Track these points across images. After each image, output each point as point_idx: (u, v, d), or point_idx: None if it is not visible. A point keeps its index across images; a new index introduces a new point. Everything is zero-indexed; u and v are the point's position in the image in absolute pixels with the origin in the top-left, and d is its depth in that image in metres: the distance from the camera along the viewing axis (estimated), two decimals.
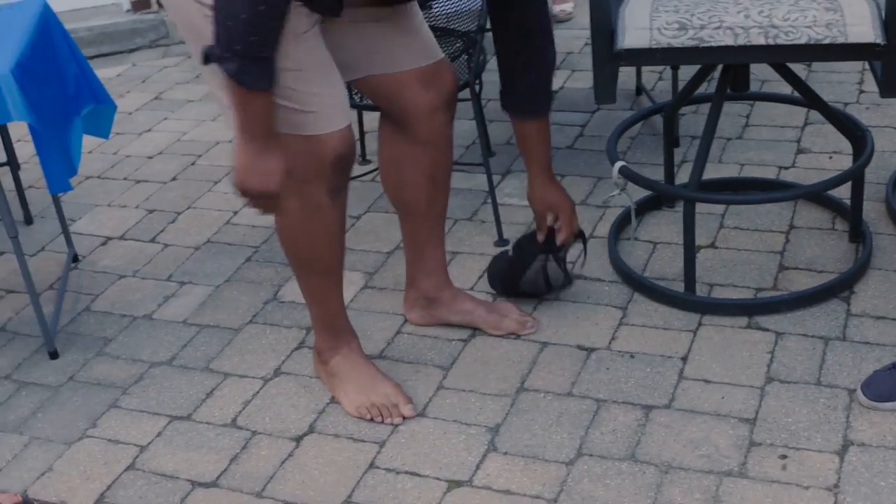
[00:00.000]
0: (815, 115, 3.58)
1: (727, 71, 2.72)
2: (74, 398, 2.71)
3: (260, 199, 2.20)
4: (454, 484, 2.30)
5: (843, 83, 3.92)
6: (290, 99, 2.21)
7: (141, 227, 3.52)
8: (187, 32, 2.29)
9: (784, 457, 2.27)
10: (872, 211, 3.07)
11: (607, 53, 2.55)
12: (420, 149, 2.57)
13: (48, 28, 2.91)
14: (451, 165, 2.68)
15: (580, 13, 4.87)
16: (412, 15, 2.48)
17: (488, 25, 2.46)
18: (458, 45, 3.16)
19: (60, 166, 2.69)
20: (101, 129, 3.11)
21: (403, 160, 2.60)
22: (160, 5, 5.24)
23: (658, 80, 4.15)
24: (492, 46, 2.51)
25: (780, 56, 2.52)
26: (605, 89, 2.56)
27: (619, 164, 2.84)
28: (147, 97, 4.60)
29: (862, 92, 3.85)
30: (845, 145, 3.38)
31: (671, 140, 3.15)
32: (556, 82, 4.23)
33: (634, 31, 2.54)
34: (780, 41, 2.46)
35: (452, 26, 3.13)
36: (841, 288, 2.76)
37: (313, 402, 2.59)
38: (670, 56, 2.55)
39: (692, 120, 3.73)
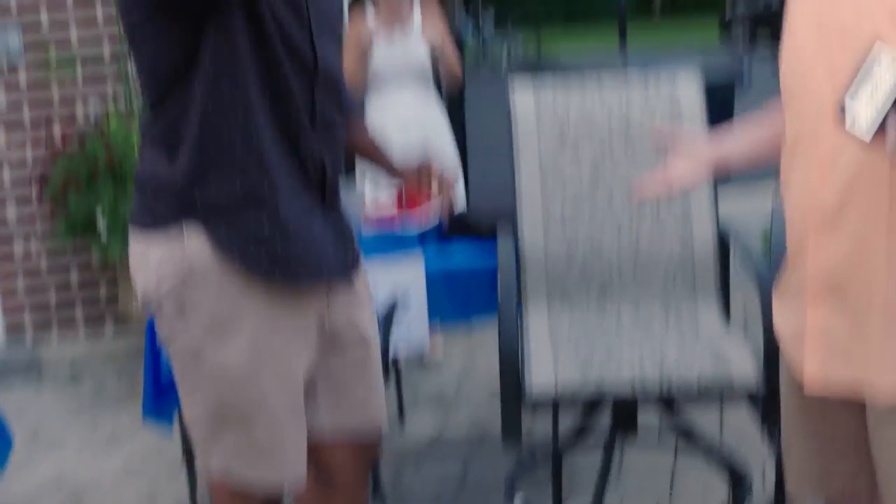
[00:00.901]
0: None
1: (618, 413, 2.95)
2: None
3: None
4: None
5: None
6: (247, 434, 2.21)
7: None
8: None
9: None
10: None
11: (515, 399, 2.75)
12: (335, 494, 2.55)
13: None
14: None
15: (449, 354, 5.08)
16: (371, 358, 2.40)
17: None
18: None
19: None
20: None
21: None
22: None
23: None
24: None
25: (671, 401, 2.77)
26: (512, 431, 2.73)
27: (519, 494, 2.98)
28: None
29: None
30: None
31: (559, 479, 3.30)
32: (434, 427, 4.33)
33: (540, 382, 2.75)
34: (673, 392, 2.73)
35: None
36: None
37: None
38: (574, 404, 2.76)
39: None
